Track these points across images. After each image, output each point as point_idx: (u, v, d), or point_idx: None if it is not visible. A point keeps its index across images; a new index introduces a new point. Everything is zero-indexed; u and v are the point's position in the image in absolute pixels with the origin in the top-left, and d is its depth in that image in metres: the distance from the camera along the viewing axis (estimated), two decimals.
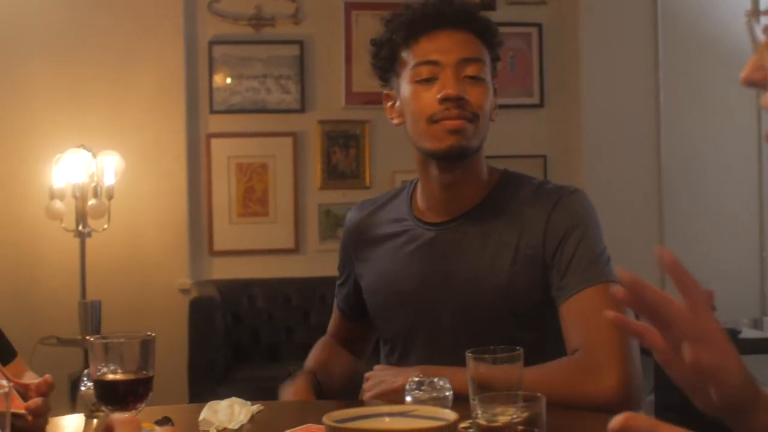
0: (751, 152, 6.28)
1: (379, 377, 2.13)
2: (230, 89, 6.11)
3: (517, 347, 1.73)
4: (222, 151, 6.09)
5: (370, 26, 6.07)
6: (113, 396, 1.71)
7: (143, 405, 1.73)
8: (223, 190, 6.10)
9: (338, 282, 2.51)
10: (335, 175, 6.21)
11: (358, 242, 2.40)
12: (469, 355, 1.71)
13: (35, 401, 1.84)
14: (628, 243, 5.55)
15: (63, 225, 5.50)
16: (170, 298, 5.89)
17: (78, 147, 5.51)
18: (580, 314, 2.06)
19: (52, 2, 5.90)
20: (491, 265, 2.18)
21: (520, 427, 1.47)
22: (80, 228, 5.51)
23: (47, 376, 1.89)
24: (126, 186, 5.70)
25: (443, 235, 2.25)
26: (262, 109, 6.12)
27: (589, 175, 6.07)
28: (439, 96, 2.14)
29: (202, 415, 1.91)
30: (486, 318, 2.18)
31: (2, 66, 5.85)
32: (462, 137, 2.15)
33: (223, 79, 6.10)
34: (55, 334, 5.43)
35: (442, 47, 2.18)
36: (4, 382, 1.33)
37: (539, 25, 6.36)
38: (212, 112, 6.10)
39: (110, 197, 5.53)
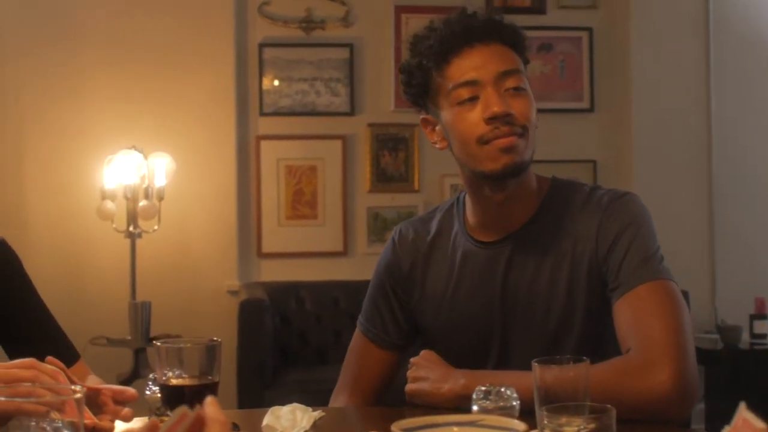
0: None
1: (424, 372, 2.09)
2: (280, 92, 6.13)
3: (584, 357, 1.71)
4: (271, 154, 6.11)
5: (419, 29, 6.07)
6: (179, 400, 1.71)
7: None
8: (272, 193, 6.11)
9: (372, 306, 2.38)
10: (384, 179, 6.21)
11: (410, 262, 2.32)
12: (535, 363, 1.70)
13: (125, 412, 1.85)
14: (678, 249, 5.51)
15: (114, 226, 5.53)
16: (219, 300, 5.91)
17: (129, 148, 5.56)
18: (633, 312, 2.02)
19: (107, 6, 5.96)
20: (550, 279, 2.15)
21: None
22: (131, 229, 5.55)
23: (132, 390, 1.90)
24: (176, 187, 5.73)
25: (499, 252, 2.20)
26: (311, 112, 6.13)
27: (639, 180, 6.03)
28: (485, 116, 2.07)
29: (265, 421, 1.92)
30: (548, 336, 2.15)
31: (57, 68, 5.91)
32: (516, 154, 2.08)
33: (272, 82, 6.12)
34: (105, 335, 5.46)
35: (477, 64, 2.10)
36: (77, 387, 1.33)
37: (590, 29, 6.32)
38: (262, 114, 6.12)
39: (161, 198, 5.56)
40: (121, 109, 5.89)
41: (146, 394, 1.82)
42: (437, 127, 2.20)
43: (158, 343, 1.76)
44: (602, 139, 6.34)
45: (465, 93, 2.09)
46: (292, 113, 6.14)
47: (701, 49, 6.23)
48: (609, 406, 1.48)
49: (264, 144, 6.11)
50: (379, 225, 6.14)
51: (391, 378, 2.36)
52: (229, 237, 6.00)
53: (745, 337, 5.87)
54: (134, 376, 5.39)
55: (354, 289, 5.93)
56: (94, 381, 2.04)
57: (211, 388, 1.75)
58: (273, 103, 6.12)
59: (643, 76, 6.18)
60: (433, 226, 2.33)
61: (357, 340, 2.39)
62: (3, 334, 2.14)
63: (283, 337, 5.84)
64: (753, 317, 5.87)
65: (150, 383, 1.84)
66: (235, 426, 1.68)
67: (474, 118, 2.08)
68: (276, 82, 6.12)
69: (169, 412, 1.72)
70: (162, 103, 5.93)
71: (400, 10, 6.17)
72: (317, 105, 6.15)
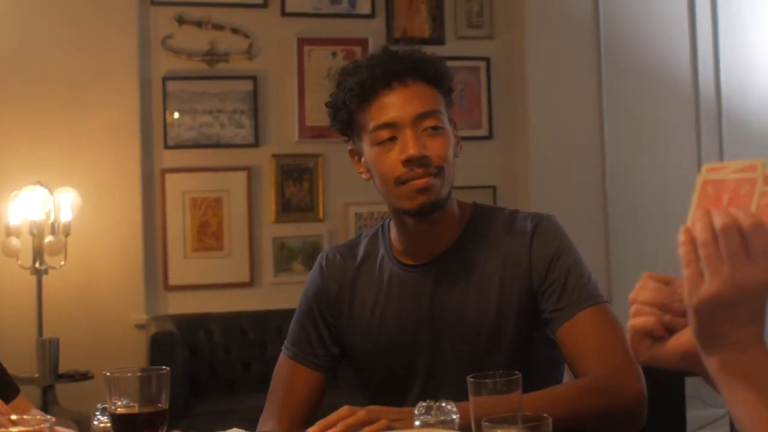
0: (693, 179, 6.42)
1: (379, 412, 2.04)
2: (184, 124, 6.13)
3: (516, 372, 1.80)
4: (176, 186, 6.10)
5: (322, 61, 6.16)
6: (130, 429, 1.76)
7: None
8: (178, 225, 6.11)
9: (299, 332, 2.41)
10: (289, 209, 6.24)
11: (337, 290, 2.38)
12: (470, 379, 1.78)
13: None
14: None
15: (19, 262, 5.47)
16: (127, 334, 5.87)
17: (34, 184, 5.50)
18: (584, 335, 2.14)
19: (8, 42, 5.89)
20: (478, 299, 2.23)
21: None
22: (37, 265, 5.49)
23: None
24: (82, 222, 5.69)
25: (425, 275, 2.28)
26: (216, 144, 6.15)
27: (538, 204, 6.15)
28: (401, 158, 2.15)
29: None
30: (478, 353, 2.22)
31: None
32: (431, 194, 2.17)
33: (176, 115, 6.13)
34: (12, 373, 5.37)
35: (396, 106, 2.18)
36: (48, 418, 1.37)
37: (487, 59, 6.48)
38: (166, 147, 6.11)
39: (67, 234, 5.51)
40: (26, 144, 5.82)
41: (93, 425, 1.85)
42: (363, 159, 2.28)
43: (108, 373, 1.79)
44: (501, 165, 6.48)
45: (384, 134, 2.19)
46: (196, 146, 6.14)
47: (594, 76, 6.40)
48: (544, 415, 1.56)
49: (169, 177, 6.10)
50: (285, 255, 6.18)
51: (320, 401, 2.38)
52: (136, 270, 5.96)
53: None
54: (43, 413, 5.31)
55: (262, 319, 5.96)
56: (36, 414, 2.06)
57: (161, 416, 1.80)
58: (177, 136, 6.13)
59: (538, 103, 6.33)
60: (360, 250, 2.40)
61: (283, 364, 2.40)
62: None
63: (192, 368, 5.82)
64: None
65: (98, 413, 1.87)
66: None
67: (392, 159, 2.17)
68: (180, 115, 6.12)
69: None
70: (67, 138, 5.87)
71: (302, 42, 6.23)
72: (221, 137, 6.18)
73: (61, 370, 5.43)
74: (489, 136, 6.49)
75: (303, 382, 2.36)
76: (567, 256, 2.23)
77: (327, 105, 2.31)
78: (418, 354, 2.27)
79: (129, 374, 1.82)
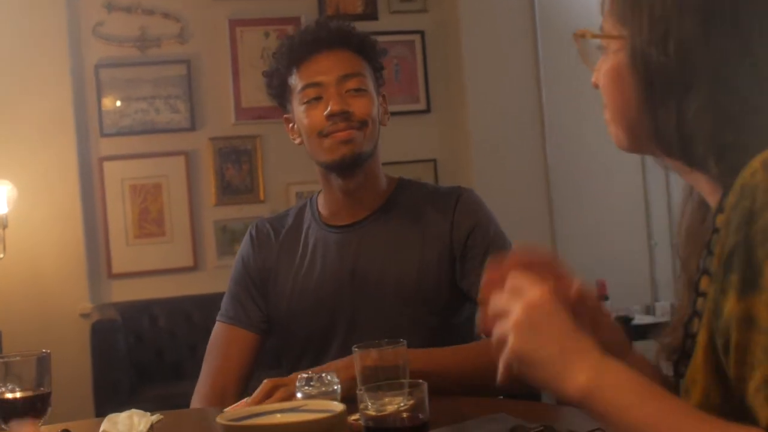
0: None
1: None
2: (119, 112, 6.12)
3: (401, 340, 1.83)
4: (115, 174, 6.09)
5: (255, 42, 6.15)
6: (14, 413, 1.76)
7: (42, 421, 1.79)
8: (119, 213, 6.10)
9: (234, 299, 2.48)
10: (230, 191, 6.24)
11: (266, 251, 2.48)
12: (355, 348, 1.81)
13: None
14: (521, 239, 5.68)
15: None
16: (72, 324, 5.86)
17: None
18: None
19: None
20: (398, 260, 2.33)
21: (405, 414, 1.54)
22: None
23: None
24: (20, 214, 5.68)
25: (350, 236, 2.39)
26: (152, 130, 6.14)
27: (478, 176, 6.18)
28: (325, 113, 2.30)
29: (102, 427, 1.97)
30: (398, 310, 2.31)
31: None
32: (353, 145, 2.32)
33: (111, 102, 6.11)
34: None
35: (323, 68, 2.35)
36: None
37: (422, 33, 6.48)
38: (103, 135, 6.10)
39: (4, 226, 5.51)
40: None
41: None
42: (294, 125, 2.43)
43: None
44: (440, 138, 6.50)
45: (311, 93, 2.35)
46: (132, 132, 6.13)
47: (530, 45, 6.41)
48: (421, 381, 1.58)
49: (107, 165, 6.09)
50: (227, 237, 6.18)
51: (252, 365, 2.44)
52: (78, 260, 5.95)
53: None
54: None
55: (207, 302, 5.93)
56: None
57: (44, 399, 1.80)
58: (113, 124, 6.11)
59: (475, 75, 6.33)
60: (288, 221, 2.52)
61: (217, 332, 2.47)
62: None
63: (138, 354, 5.83)
64: None
65: None
66: None
67: (317, 115, 2.32)
68: (115, 103, 6.11)
69: (4, 426, 1.76)
70: (0, 130, 5.85)
71: (234, 23, 6.22)
72: (157, 123, 6.16)
73: None
74: (427, 110, 6.50)
75: (237, 345, 2.43)
76: (487, 227, 2.35)
77: (263, 74, 2.47)
78: (339, 312, 2.36)
79: (8, 359, 1.82)
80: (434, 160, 6.45)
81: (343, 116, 2.30)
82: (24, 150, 5.87)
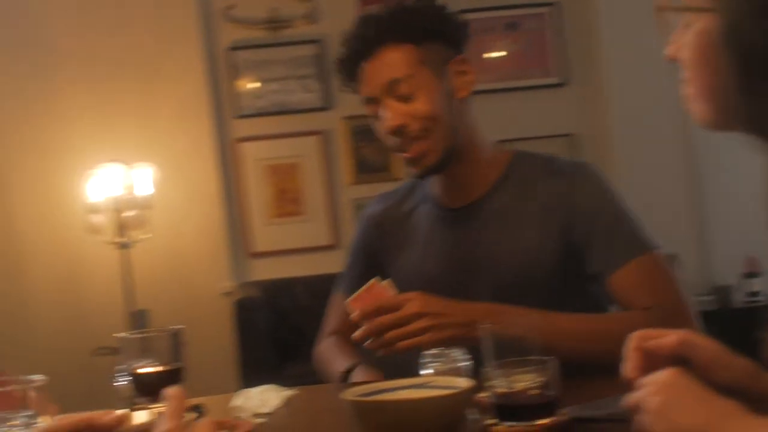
0: None
1: (438, 314, 1.98)
2: (253, 93, 6.21)
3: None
4: (251, 155, 6.19)
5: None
6: (149, 388, 1.80)
7: None
8: (257, 193, 6.19)
9: (351, 274, 2.47)
10: (365, 170, 6.27)
11: (383, 234, 2.42)
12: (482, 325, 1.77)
13: None
14: (666, 213, 5.57)
15: (103, 238, 5.60)
16: (214, 302, 5.98)
17: (111, 161, 5.63)
18: (638, 282, 2.10)
19: (77, 26, 6.04)
20: (514, 243, 2.21)
21: (535, 391, 1.52)
22: (121, 240, 5.62)
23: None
24: (162, 195, 5.82)
25: (464, 220, 2.28)
26: (286, 110, 6.20)
27: (620, 151, 6.05)
28: (384, 132, 2.19)
29: (234, 402, 1.99)
30: (515, 294, 2.17)
31: (34, 88, 5.99)
32: (423, 160, 2.18)
33: (245, 84, 6.20)
34: (106, 345, 5.52)
35: (370, 80, 2.19)
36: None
37: (552, 4, 6.38)
38: (238, 117, 6.20)
39: (148, 207, 5.64)
40: (100, 123, 5.96)
41: (115, 385, 1.90)
42: None
43: (123, 335, 1.85)
44: (577, 113, 6.38)
45: (370, 109, 2.22)
46: (267, 113, 6.21)
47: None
48: (552, 357, 1.53)
49: (243, 146, 6.19)
50: None
51: None
52: (219, 239, 6.07)
53: (739, 296, 5.95)
54: None
55: None
56: None
57: (178, 374, 1.84)
58: (247, 105, 6.20)
59: (613, 46, 6.17)
60: (404, 196, 2.43)
61: (334, 302, 2.53)
62: None
63: (280, 333, 5.90)
64: (745, 276, 5.94)
65: (118, 374, 1.91)
66: (197, 408, 1.75)
67: (382, 131, 2.20)
68: (248, 84, 6.20)
69: (139, 401, 1.80)
70: (139, 115, 6.00)
71: (363, 1, 6.23)
72: (291, 103, 6.22)
73: None
74: (561, 83, 6.39)
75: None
76: (612, 205, 2.19)
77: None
78: (457, 295, 2.27)
79: (143, 334, 1.87)
80: (570, 135, 6.35)
81: (399, 133, 2.15)
82: (164, 134, 6.02)
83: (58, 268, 5.94)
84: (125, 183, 5.64)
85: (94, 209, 5.59)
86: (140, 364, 1.82)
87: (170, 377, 1.83)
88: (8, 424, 1.30)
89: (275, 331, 5.88)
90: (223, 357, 5.68)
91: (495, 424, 1.53)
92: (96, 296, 5.89)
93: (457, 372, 1.72)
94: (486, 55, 6.31)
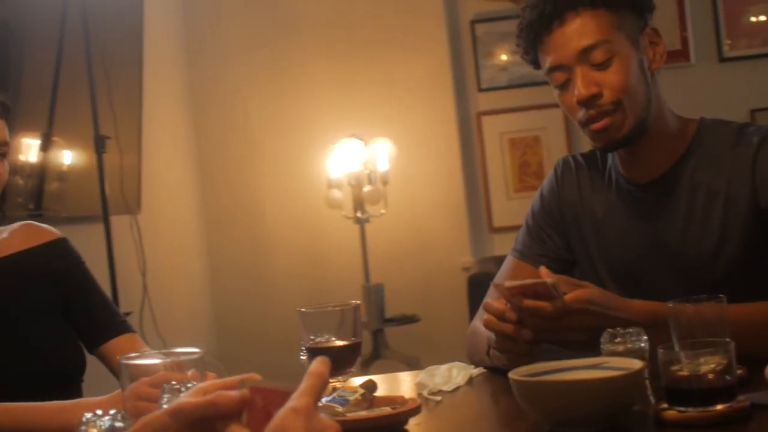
0: None
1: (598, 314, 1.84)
2: (496, 66, 6.15)
3: (721, 295, 1.68)
4: (493, 128, 6.13)
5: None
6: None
7: (353, 369, 1.83)
8: (498, 167, 6.14)
9: (530, 234, 2.35)
10: None
11: (567, 192, 2.32)
12: (670, 304, 1.69)
13: None
14: None
15: (343, 213, 5.70)
16: (453, 278, 5.94)
17: (350, 137, 5.71)
18: None
19: (323, 3, 6.15)
20: (702, 219, 2.11)
21: (710, 375, 1.45)
22: (358, 214, 5.70)
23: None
24: (399, 170, 5.84)
25: (651, 195, 2.19)
26: (529, 83, 6.08)
27: None
28: (574, 101, 2.08)
29: (418, 378, 1.98)
30: (700, 271, 2.11)
31: (278, 62, 6.15)
32: (612, 132, 2.09)
33: (488, 57, 6.15)
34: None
35: (560, 46, 2.08)
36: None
37: None
38: (480, 90, 6.15)
39: (385, 183, 5.68)
40: (340, 98, 6.05)
41: (301, 359, 1.90)
42: None
43: (303, 309, 1.85)
44: None
45: (557, 77, 2.13)
46: (510, 86, 6.13)
47: None
48: (730, 340, 1.46)
49: (485, 119, 6.14)
50: None
51: None
52: (459, 214, 6.04)
53: None
54: (375, 355, 5.55)
55: None
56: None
57: (355, 348, 1.83)
58: (490, 78, 6.14)
59: None
60: (594, 161, 2.33)
61: (506, 266, 2.36)
62: (66, 314, 2.39)
63: None
64: None
65: (303, 349, 1.91)
66: (372, 383, 1.73)
67: (570, 101, 2.11)
68: (491, 57, 6.14)
69: None
70: (379, 90, 6.04)
71: None
72: (534, 76, 6.00)
73: (388, 314, 5.62)
74: None
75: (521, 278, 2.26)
76: None
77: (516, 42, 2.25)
78: (638, 273, 2.19)
79: (321, 309, 1.87)
80: None
81: (592, 102, 2.05)
82: (402, 108, 6.03)
83: (301, 241, 6.08)
84: (362, 158, 5.70)
85: (333, 184, 5.69)
86: (319, 338, 1.83)
87: (348, 352, 1.83)
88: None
89: None
90: (457, 332, 5.68)
91: (667, 409, 1.48)
92: (335, 270, 6.00)
93: (637, 354, 1.63)
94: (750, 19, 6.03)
